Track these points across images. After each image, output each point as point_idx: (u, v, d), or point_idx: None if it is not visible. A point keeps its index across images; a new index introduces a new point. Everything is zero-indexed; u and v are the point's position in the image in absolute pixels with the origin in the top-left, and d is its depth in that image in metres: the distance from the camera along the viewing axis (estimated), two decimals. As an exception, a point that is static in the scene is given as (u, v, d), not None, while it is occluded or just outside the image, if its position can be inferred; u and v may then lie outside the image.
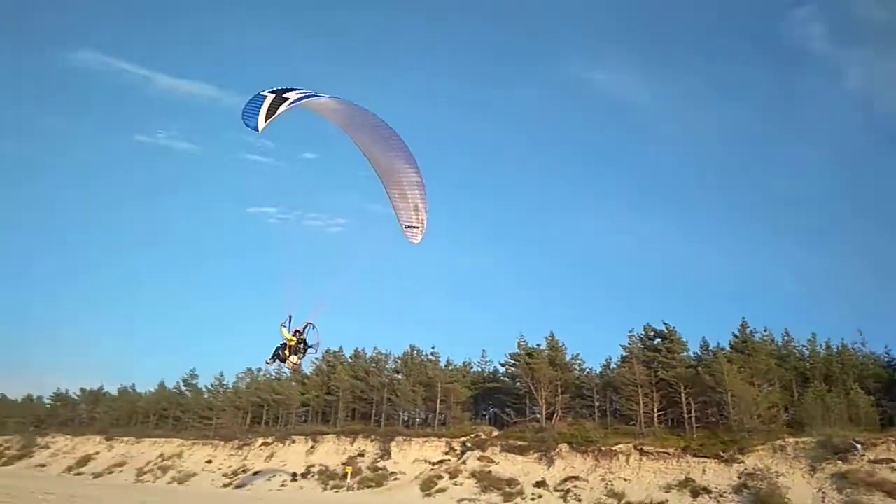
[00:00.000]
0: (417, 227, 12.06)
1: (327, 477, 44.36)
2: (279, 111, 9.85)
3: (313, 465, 46.25)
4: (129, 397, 68.23)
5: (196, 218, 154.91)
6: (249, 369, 61.29)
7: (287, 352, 11.38)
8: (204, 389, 62.98)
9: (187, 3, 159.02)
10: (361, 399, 50.51)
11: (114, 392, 70.73)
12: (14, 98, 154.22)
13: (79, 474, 57.45)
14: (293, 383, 53.90)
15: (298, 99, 10.12)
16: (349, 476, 42.87)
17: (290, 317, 11.30)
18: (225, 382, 61.85)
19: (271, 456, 49.52)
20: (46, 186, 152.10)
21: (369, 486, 42.21)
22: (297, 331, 11.50)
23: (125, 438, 61.13)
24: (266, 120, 9.78)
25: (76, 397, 73.45)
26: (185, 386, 64.29)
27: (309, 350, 11.61)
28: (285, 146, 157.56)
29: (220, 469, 50.62)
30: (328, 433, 48.51)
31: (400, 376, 49.65)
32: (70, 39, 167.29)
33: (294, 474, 45.82)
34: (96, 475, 56.08)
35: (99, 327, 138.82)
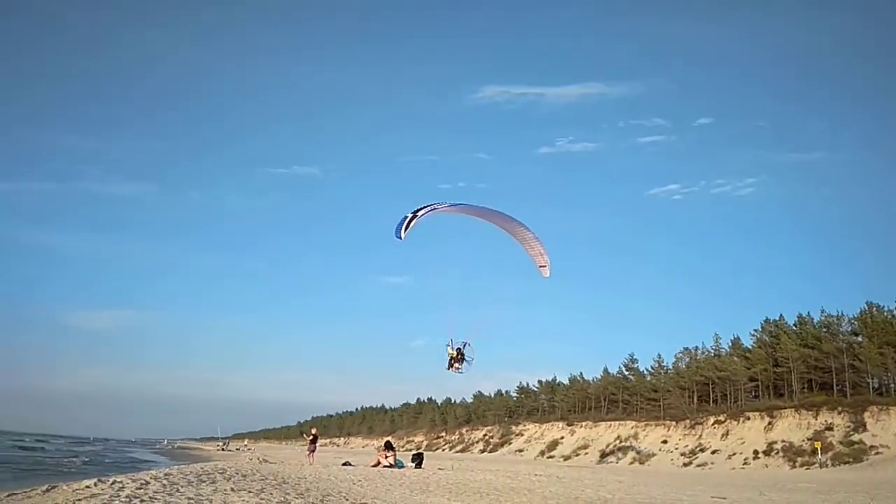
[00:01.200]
0: (545, 266, 17.44)
1: (793, 454, 47.34)
2: (416, 220, 16.09)
3: (775, 442, 49.75)
4: (579, 385, 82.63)
5: (598, 212, 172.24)
6: (686, 348, 68.18)
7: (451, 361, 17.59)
8: (645, 372, 72.58)
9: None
10: (817, 368, 51.73)
11: (566, 381, 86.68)
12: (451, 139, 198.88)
13: (550, 457, 72.54)
14: (735, 358, 58.29)
15: (428, 211, 16.29)
16: (819, 452, 45.09)
17: (451, 339, 17.33)
18: (664, 364, 70.11)
19: (726, 434, 54.89)
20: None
21: (845, 462, 43.54)
22: (458, 349, 17.43)
23: (584, 423, 74.52)
24: (405, 231, 16.01)
25: (536, 389, 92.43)
26: (626, 370, 75.04)
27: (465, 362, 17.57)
28: (676, 118, 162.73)
29: (676, 448, 58.33)
30: (785, 407, 51.30)
31: (860, 338, 49.20)
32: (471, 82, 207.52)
33: (755, 452, 50.29)
34: (565, 458, 70.06)
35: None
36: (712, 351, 65.50)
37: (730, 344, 63.89)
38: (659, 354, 71.64)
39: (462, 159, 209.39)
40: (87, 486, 11.60)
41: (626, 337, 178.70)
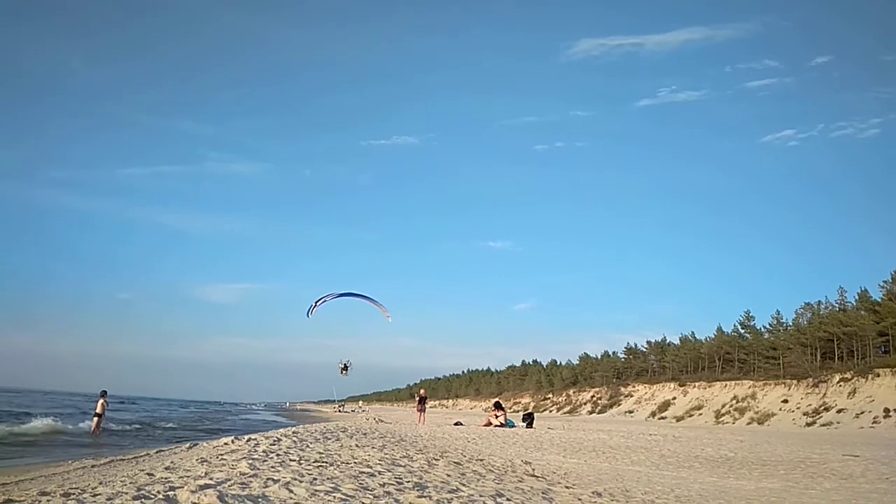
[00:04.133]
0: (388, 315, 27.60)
1: (931, 412, 44.46)
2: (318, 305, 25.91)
3: (909, 400, 46.83)
4: (690, 345, 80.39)
5: (706, 163, 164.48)
6: (808, 304, 64.67)
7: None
8: (763, 329, 69.56)
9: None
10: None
11: (676, 342, 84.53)
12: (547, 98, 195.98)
13: (662, 418, 71.47)
14: (862, 312, 54.79)
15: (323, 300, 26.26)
16: (960, 411, 42.10)
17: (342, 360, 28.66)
18: (783, 320, 66.88)
19: (853, 392, 51.94)
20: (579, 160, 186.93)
21: None
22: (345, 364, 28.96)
23: (697, 383, 72.70)
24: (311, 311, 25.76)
25: (644, 349, 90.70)
26: (742, 328, 72.16)
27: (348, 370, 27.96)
28: (790, 59, 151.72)
29: (798, 408, 55.89)
30: (919, 363, 47.99)
31: None
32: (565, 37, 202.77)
33: (886, 410, 47.40)
34: (678, 419, 68.79)
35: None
36: (837, 305, 61.89)
37: (856, 297, 60.23)
38: (777, 311, 68.55)
39: (559, 118, 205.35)
40: (226, 443, 12.50)
41: (739, 295, 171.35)
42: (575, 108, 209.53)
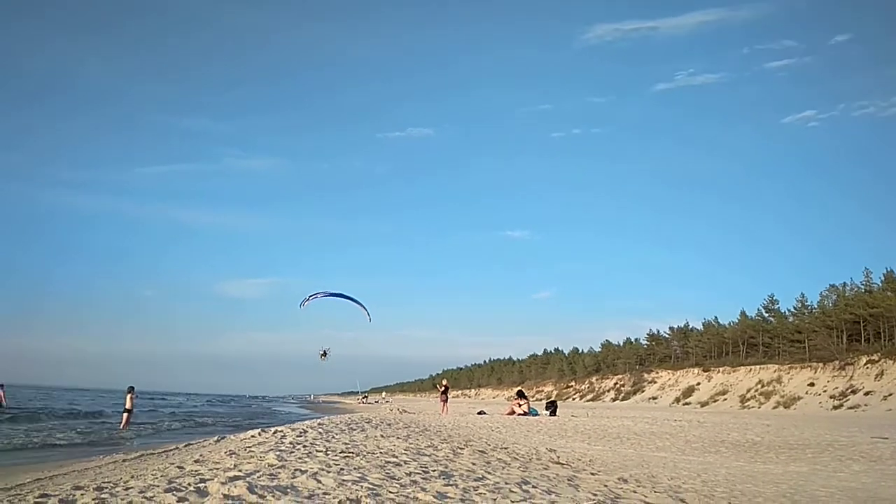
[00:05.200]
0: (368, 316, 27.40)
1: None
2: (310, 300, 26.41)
3: (939, 381, 46.19)
4: (714, 330, 79.76)
5: (725, 147, 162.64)
6: (832, 286, 63.85)
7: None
8: (787, 313, 68.80)
9: None
10: None
11: (699, 327, 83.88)
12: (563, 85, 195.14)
13: (686, 404, 71.09)
14: (889, 293, 53.98)
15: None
16: None
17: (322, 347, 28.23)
18: (808, 303, 66.07)
19: (881, 374, 51.25)
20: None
21: None
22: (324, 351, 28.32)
23: (721, 368, 72.18)
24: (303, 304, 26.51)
25: (667, 335, 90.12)
26: (766, 312, 71.43)
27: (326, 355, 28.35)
28: (809, 38, 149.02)
29: (824, 391, 55.32)
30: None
31: None
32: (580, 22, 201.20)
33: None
34: (702, 404, 68.39)
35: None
36: (862, 287, 61.03)
37: (882, 278, 59.31)
38: (802, 294, 67.72)
39: (575, 105, 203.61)
40: (253, 436, 12.66)
41: (762, 280, 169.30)
42: (591, 94, 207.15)
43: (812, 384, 57.46)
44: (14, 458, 14.89)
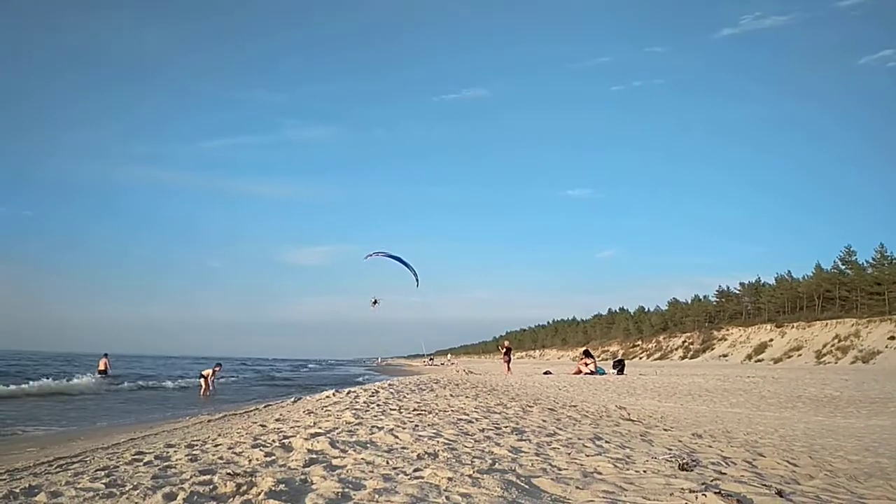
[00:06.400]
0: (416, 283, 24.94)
1: None
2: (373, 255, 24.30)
3: None
4: (787, 284, 77.30)
5: (798, 92, 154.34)
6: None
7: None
8: (866, 264, 65.93)
9: None
10: None
11: (771, 282, 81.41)
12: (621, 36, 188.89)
13: (759, 361, 69.54)
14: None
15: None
16: None
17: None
18: (888, 254, 63.11)
19: (971, 326, 48.94)
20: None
21: None
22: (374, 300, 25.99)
23: (795, 324, 70.11)
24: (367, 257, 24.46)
25: (738, 291, 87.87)
26: (843, 265, 68.65)
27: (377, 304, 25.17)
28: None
29: (908, 345, 53.22)
30: None
31: None
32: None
33: None
34: (775, 360, 66.77)
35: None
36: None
37: (971, 225, 56.11)
38: (881, 244, 64.59)
39: (635, 56, 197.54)
40: (328, 396, 13.09)
41: (838, 231, 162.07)
42: (651, 44, 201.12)
43: (893, 338, 55.28)
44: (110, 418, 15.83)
